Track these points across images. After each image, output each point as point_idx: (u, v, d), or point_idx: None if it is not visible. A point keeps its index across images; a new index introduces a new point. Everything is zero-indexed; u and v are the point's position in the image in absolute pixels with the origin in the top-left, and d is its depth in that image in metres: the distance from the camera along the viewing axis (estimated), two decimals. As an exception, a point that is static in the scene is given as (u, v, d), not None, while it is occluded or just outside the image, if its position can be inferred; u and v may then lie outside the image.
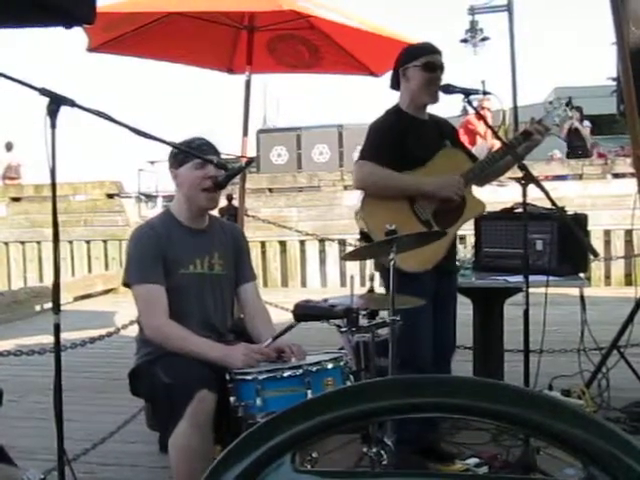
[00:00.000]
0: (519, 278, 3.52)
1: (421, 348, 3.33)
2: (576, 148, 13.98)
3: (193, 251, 2.90)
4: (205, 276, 2.92)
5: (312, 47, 5.45)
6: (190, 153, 2.80)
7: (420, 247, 3.10)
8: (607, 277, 9.54)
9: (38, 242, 10.95)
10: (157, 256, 2.80)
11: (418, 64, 3.37)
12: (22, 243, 11.20)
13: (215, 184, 2.86)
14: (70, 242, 10.79)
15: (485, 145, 11.11)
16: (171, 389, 2.58)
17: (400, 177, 3.34)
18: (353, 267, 8.79)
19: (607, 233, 9.39)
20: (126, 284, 2.88)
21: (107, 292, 10.19)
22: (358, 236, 3.54)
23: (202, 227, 2.99)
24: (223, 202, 5.66)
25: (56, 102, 2.14)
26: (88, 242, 10.95)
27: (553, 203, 3.26)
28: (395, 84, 3.50)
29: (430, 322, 3.37)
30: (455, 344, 3.75)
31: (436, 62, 3.39)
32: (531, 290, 3.35)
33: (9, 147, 15.35)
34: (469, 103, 3.57)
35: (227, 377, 2.50)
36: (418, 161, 3.40)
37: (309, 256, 10.38)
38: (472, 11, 16.13)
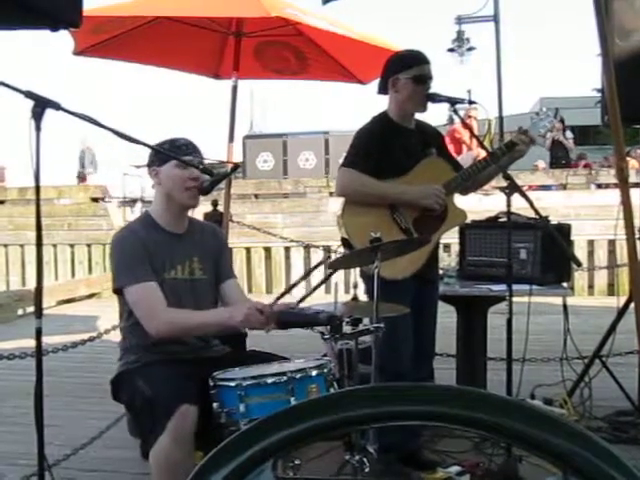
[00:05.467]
0: (503, 287, 3.53)
1: (401, 355, 3.34)
2: (559, 158, 14.16)
3: (174, 256, 2.87)
4: (186, 281, 2.90)
5: (299, 54, 5.46)
6: (175, 158, 2.79)
7: (403, 254, 3.11)
8: (590, 287, 9.59)
9: (21, 245, 10.86)
10: (143, 257, 2.77)
11: (409, 76, 3.37)
12: (5, 246, 11.11)
13: (200, 189, 2.85)
14: (54, 246, 10.72)
15: (471, 154, 11.15)
16: (152, 402, 2.55)
17: (381, 185, 3.35)
18: (338, 274, 8.77)
19: (590, 243, 9.44)
20: (117, 290, 2.80)
21: (90, 296, 10.13)
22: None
23: (182, 231, 2.97)
24: (208, 207, 5.65)
25: (41, 105, 2.14)
26: (72, 246, 10.88)
27: (537, 212, 3.28)
28: (382, 90, 3.51)
29: (410, 329, 3.37)
30: (434, 351, 3.77)
31: (427, 74, 3.40)
32: (514, 299, 3.36)
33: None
34: (455, 112, 3.59)
35: (210, 383, 2.49)
36: (401, 169, 3.41)
37: (294, 263, 10.36)
38: (459, 21, 16.21)
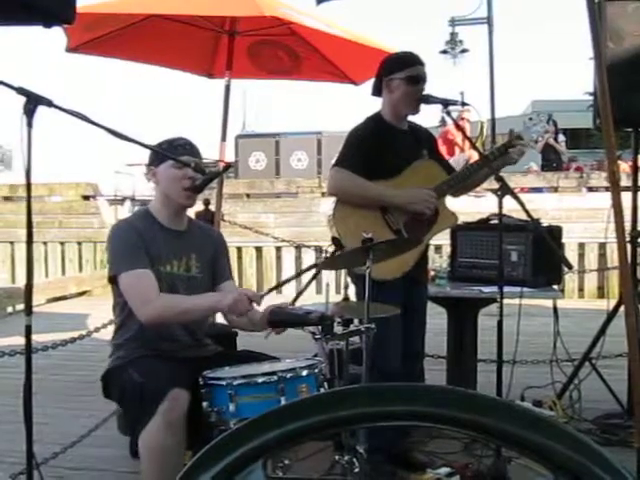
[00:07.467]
0: (493, 288, 3.54)
1: (390, 356, 3.34)
2: (551, 161, 14.23)
3: (171, 251, 2.89)
4: (182, 277, 2.90)
5: (293, 54, 5.46)
6: (168, 156, 2.79)
7: (393, 255, 3.11)
8: (580, 289, 9.61)
9: (11, 242, 10.82)
10: (139, 247, 2.78)
11: (402, 76, 3.38)
12: (-5, 243, 11.06)
13: (192, 188, 2.86)
14: (44, 243, 10.68)
15: (463, 156, 11.17)
16: (143, 387, 2.55)
17: (372, 187, 3.35)
18: (329, 274, 8.77)
19: (581, 246, 9.47)
20: (112, 278, 2.80)
21: (80, 294, 10.09)
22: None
23: (181, 228, 2.98)
24: (200, 206, 5.64)
25: (33, 102, 2.12)
26: (62, 244, 10.84)
27: (528, 215, 3.28)
28: (376, 91, 3.51)
29: (399, 330, 3.37)
30: (424, 351, 3.78)
31: (420, 75, 3.40)
32: (505, 301, 3.37)
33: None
34: (448, 114, 3.59)
35: (200, 382, 2.48)
36: (393, 170, 3.41)
37: (285, 262, 10.35)
38: (452, 23, 16.26)
